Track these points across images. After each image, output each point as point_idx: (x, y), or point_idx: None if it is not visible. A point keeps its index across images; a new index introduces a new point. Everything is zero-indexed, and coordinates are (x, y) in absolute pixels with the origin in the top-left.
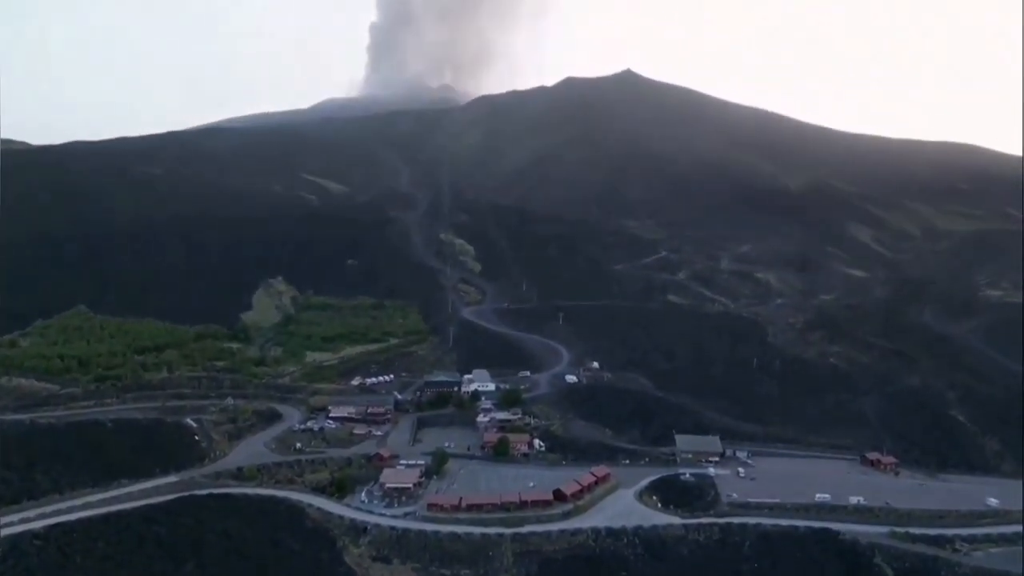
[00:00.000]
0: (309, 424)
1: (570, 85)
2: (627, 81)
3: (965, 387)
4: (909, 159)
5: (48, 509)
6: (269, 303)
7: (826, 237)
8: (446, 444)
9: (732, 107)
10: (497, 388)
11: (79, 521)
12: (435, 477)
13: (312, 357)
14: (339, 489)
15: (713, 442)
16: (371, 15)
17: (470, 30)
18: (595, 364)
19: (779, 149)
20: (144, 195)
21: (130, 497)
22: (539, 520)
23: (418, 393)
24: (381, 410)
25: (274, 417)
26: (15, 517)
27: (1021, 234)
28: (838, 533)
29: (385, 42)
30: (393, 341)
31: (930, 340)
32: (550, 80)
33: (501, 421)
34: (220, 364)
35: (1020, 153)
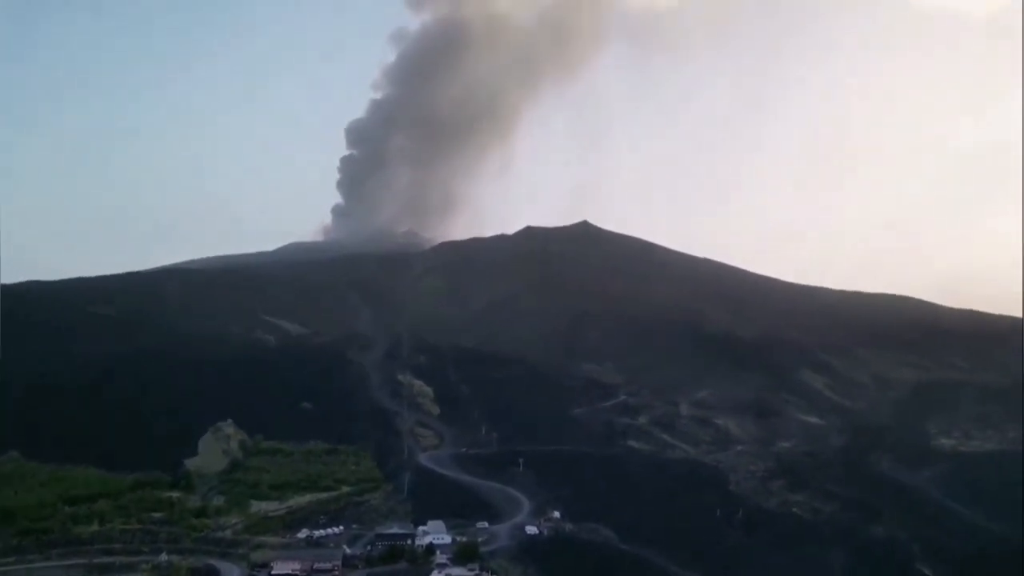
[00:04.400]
0: None
1: (530, 234)
2: (584, 231)
3: (928, 539)
4: (856, 310)
5: None
6: (216, 448)
7: (781, 384)
8: None
9: (685, 257)
10: (453, 540)
11: None
12: None
13: (258, 507)
14: None
15: None
16: (340, 160)
17: (438, 178)
18: (556, 514)
19: (732, 298)
20: (95, 337)
21: None
22: None
23: (369, 547)
24: (328, 566)
25: (211, 575)
26: None
27: (967, 384)
28: None
29: (356, 180)
30: (345, 489)
31: (890, 489)
32: (511, 228)
33: None
34: (157, 515)
35: (959, 306)
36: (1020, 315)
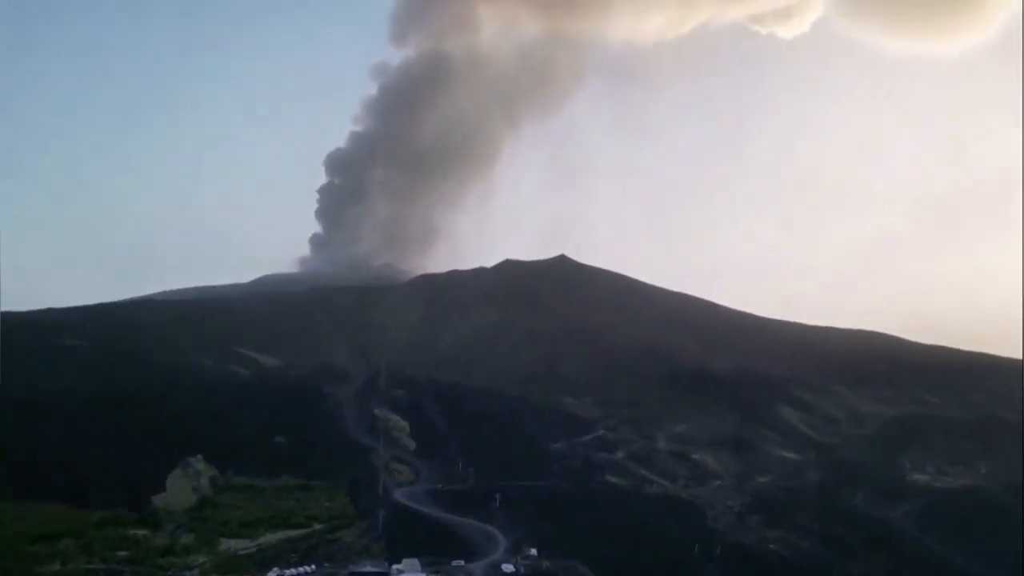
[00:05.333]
0: None
1: (508, 267)
2: (562, 265)
3: None
4: (828, 345)
5: None
6: (185, 484)
7: (757, 418)
8: None
9: (662, 292)
10: None
11: None
12: None
13: (227, 545)
14: None
15: None
16: (319, 189)
17: (418, 211)
18: (533, 551)
19: (708, 333)
20: (64, 369)
21: None
22: None
23: None
24: None
25: None
26: None
27: (937, 419)
28: None
29: (335, 210)
30: (317, 527)
31: (866, 526)
32: (489, 261)
33: None
34: (122, 554)
35: (930, 342)
36: (985, 350)
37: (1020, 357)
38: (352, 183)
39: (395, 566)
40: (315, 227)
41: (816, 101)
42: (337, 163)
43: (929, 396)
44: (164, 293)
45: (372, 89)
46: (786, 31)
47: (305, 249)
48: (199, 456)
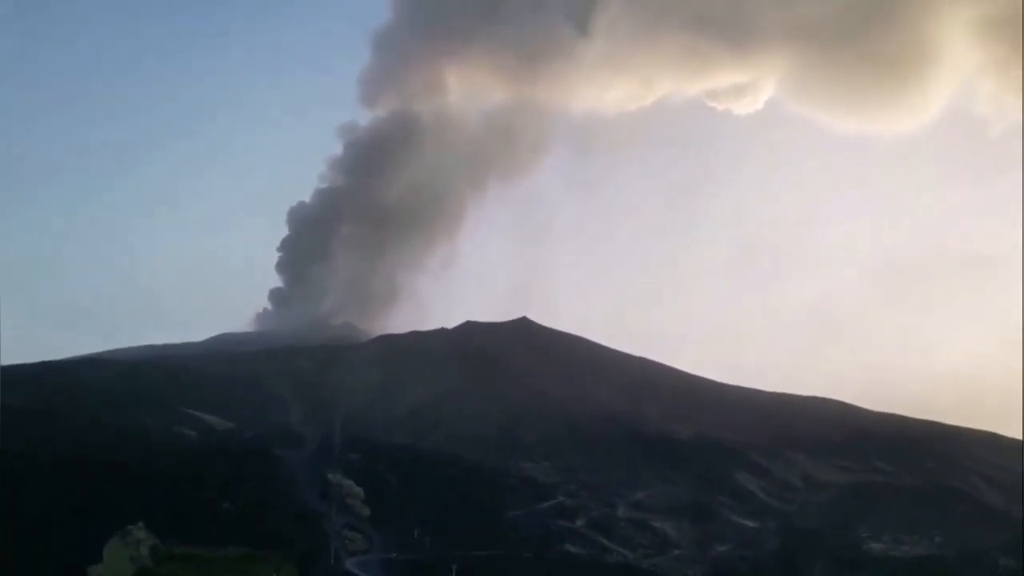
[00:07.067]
0: None
1: (469, 328)
2: (523, 327)
3: None
4: (785, 411)
5: None
6: (123, 554)
7: (717, 485)
8: None
9: (622, 356)
10: None
11: None
12: None
13: None
14: None
15: None
16: (282, 241)
17: (382, 269)
18: None
19: (667, 398)
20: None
21: None
22: None
23: None
24: None
25: None
26: None
27: (893, 487)
28: None
29: (297, 264)
30: None
31: None
32: (451, 323)
33: None
34: None
35: (883, 410)
36: (937, 419)
37: (968, 425)
38: (316, 239)
39: None
40: (274, 280)
41: (770, 174)
42: (300, 217)
43: (881, 463)
44: (112, 352)
45: (336, 147)
46: (740, 108)
47: (261, 305)
48: (140, 524)
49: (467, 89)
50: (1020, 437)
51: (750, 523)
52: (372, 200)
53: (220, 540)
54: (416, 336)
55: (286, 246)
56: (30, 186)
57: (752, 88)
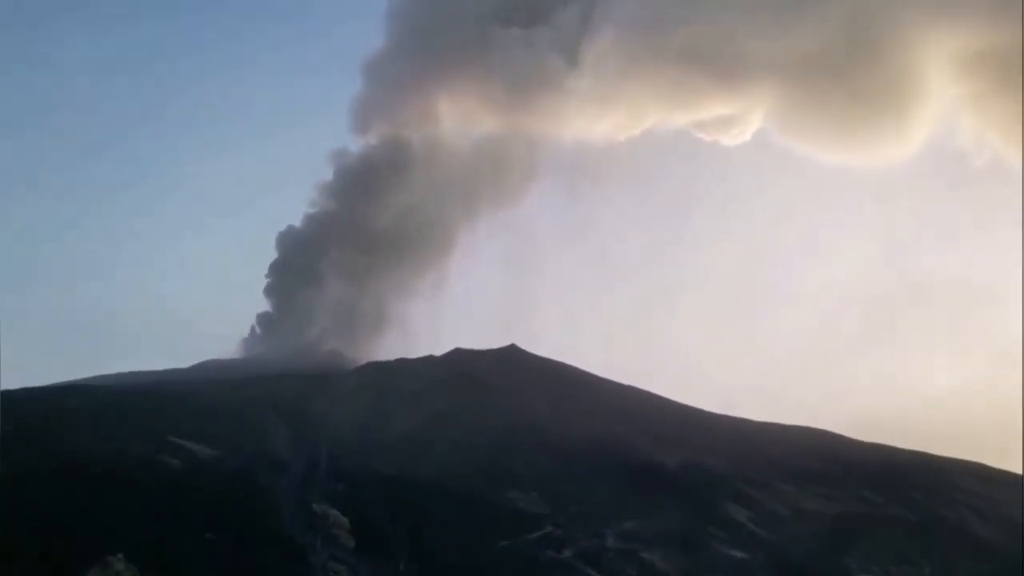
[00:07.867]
0: None
1: (457, 355)
2: (512, 355)
3: None
4: (773, 441)
5: None
6: None
7: (705, 516)
8: None
9: (610, 384)
10: None
11: None
12: None
13: None
14: None
15: None
16: (270, 266)
17: (372, 296)
18: None
19: (656, 426)
20: None
21: None
22: None
23: None
24: None
25: None
26: None
27: (878, 518)
28: None
29: (286, 289)
30: None
31: None
32: (439, 350)
33: None
34: None
35: (872, 440)
36: (924, 450)
37: (954, 456)
38: (305, 264)
39: None
40: (262, 304)
41: (757, 204)
42: (290, 241)
43: (870, 494)
44: (95, 378)
45: (327, 172)
46: (728, 139)
47: (247, 330)
48: (120, 555)
49: (459, 118)
50: (1009, 469)
51: (739, 554)
52: (362, 226)
53: (203, 572)
54: (404, 363)
55: (275, 269)
56: (5, 212)
57: (740, 120)
